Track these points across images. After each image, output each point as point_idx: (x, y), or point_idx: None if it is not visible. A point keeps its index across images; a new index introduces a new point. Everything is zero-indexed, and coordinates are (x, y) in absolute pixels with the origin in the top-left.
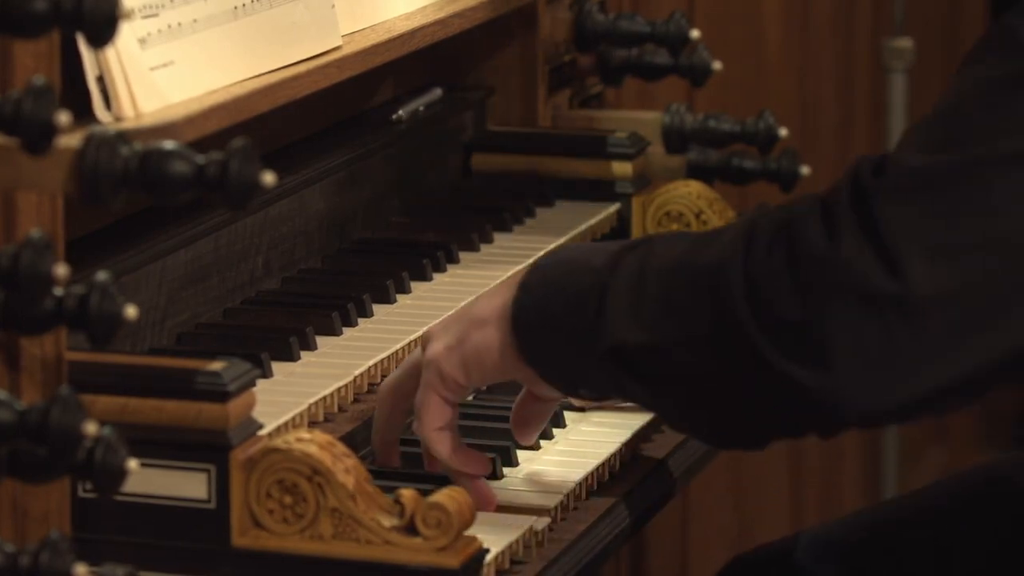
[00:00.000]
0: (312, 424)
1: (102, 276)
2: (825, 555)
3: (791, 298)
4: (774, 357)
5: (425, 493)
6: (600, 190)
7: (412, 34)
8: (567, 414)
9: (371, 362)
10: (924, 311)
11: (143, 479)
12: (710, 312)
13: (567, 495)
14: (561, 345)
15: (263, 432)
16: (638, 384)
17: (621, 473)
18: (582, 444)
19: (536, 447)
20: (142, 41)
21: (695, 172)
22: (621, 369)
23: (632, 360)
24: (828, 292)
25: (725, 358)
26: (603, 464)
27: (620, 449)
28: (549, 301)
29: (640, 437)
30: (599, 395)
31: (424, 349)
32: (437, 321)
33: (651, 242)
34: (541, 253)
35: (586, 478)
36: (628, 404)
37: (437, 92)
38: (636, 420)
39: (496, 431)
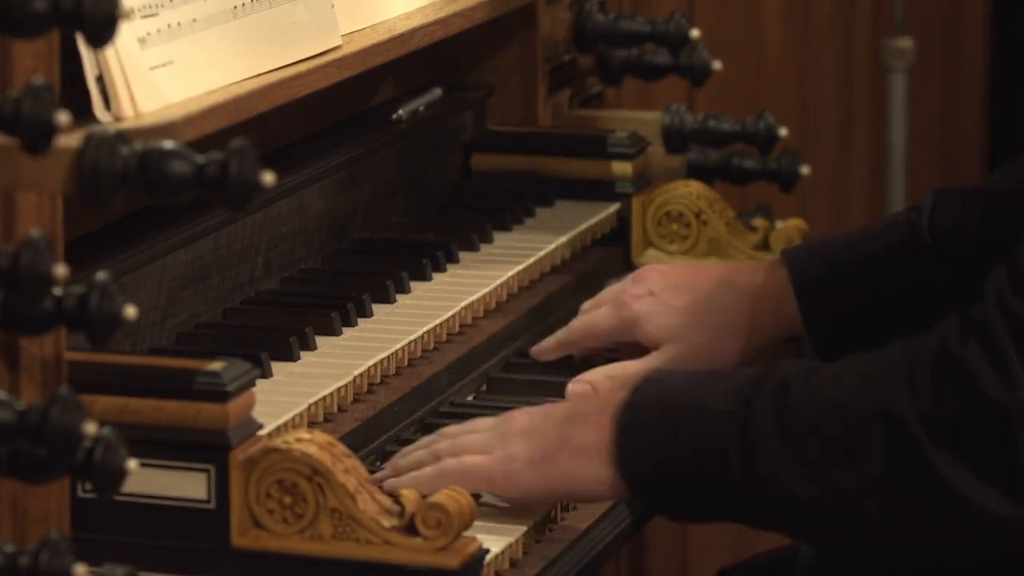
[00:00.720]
0: (312, 424)
1: (102, 276)
2: (824, 565)
3: (982, 441)
4: (977, 497)
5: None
6: (600, 190)
7: (412, 34)
8: None
9: (371, 362)
10: None
11: (143, 479)
12: (892, 458)
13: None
14: (693, 494)
15: (263, 432)
16: (805, 532)
17: None
18: None
19: None
20: (142, 41)
21: (695, 172)
22: (784, 519)
23: (801, 512)
24: (1017, 433)
25: (913, 501)
26: None
27: None
28: (666, 449)
29: None
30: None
31: (498, 427)
32: (524, 410)
33: (779, 382)
34: (541, 254)
35: None
36: None
37: (437, 92)
38: None
39: None
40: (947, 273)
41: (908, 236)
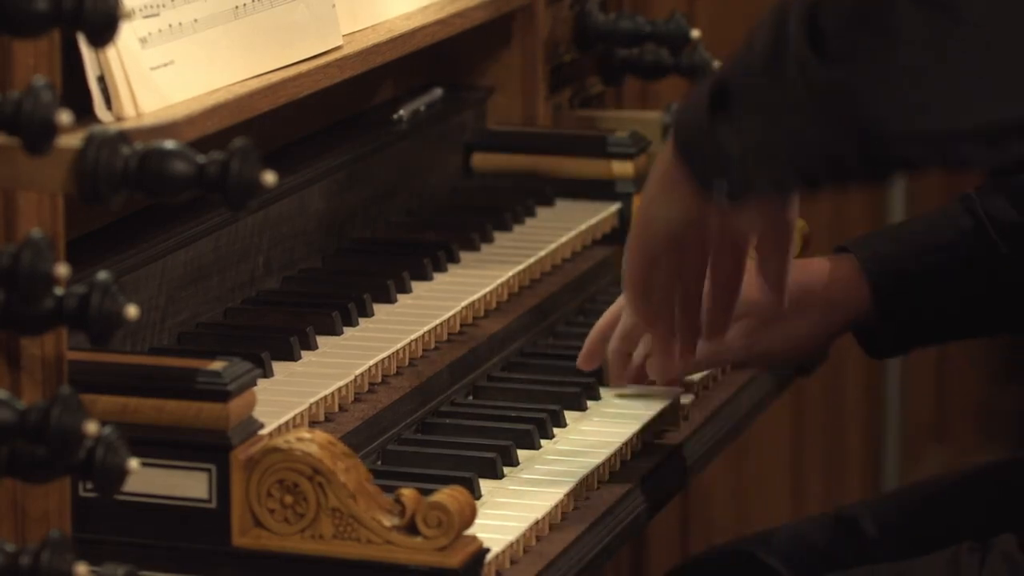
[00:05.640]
0: (313, 424)
1: (103, 276)
2: (793, 553)
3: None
4: (821, 71)
5: (425, 493)
6: (600, 190)
7: (412, 34)
8: (567, 413)
9: (371, 362)
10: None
11: (143, 479)
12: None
13: (567, 494)
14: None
15: (264, 432)
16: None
17: (622, 472)
18: (583, 443)
19: (536, 446)
20: (143, 41)
21: None
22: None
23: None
24: None
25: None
26: (603, 464)
27: (620, 449)
28: None
29: (640, 436)
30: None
31: None
32: None
33: None
34: (542, 253)
35: (587, 477)
36: (627, 402)
37: (437, 92)
38: (637, 420)
39: (496, 431)
40: (1011, 252)
41: (969, 218)
